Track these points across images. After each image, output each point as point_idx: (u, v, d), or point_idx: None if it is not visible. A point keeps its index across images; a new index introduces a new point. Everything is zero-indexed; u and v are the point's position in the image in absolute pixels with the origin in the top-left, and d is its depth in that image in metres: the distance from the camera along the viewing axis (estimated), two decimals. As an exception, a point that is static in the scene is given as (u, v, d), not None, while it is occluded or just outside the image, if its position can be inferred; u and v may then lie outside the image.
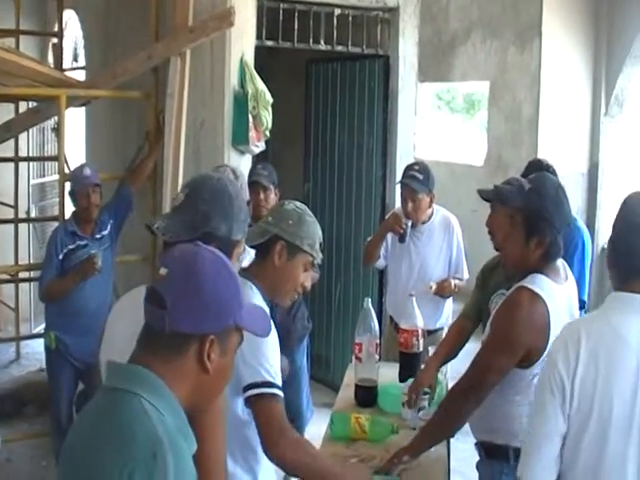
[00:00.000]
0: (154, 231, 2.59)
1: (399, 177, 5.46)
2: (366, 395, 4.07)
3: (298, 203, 3.10)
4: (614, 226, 2.67)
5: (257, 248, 3.02)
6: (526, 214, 3.24)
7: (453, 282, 5.25)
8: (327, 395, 6.41)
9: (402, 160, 6.59)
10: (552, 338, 3.10)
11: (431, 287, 5.15)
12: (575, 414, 2.51)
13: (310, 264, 3.05)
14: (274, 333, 2.78)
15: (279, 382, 2.79)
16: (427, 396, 3.94)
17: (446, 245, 5.35)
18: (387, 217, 5.42)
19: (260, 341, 2.70)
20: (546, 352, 3.12)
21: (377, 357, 4.11)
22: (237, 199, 2.66)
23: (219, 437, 2.32)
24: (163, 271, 1.82)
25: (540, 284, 3.17)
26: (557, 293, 3.21)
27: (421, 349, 4.26)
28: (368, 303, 4.09)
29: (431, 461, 3.50)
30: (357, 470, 3.12)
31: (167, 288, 1.79)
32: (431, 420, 3.45)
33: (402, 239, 5.25)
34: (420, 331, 4.24)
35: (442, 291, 5.21)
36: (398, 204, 5.57)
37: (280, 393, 2.78)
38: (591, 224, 7.79)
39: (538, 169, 4.55)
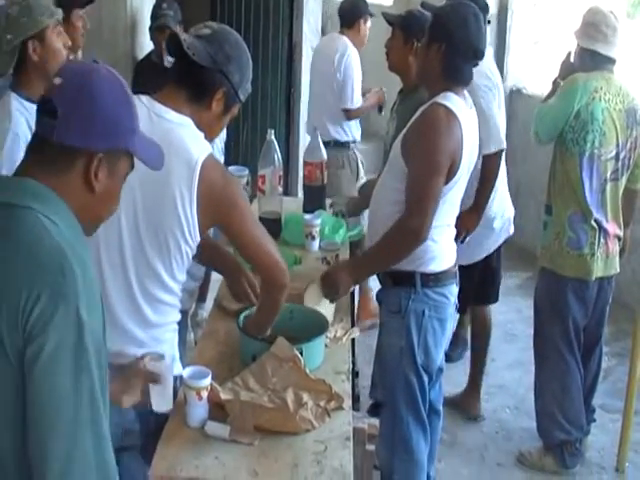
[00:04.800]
0: (182, 42, 2.43)
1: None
2: (270, 227, 3.89)
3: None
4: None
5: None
6: (429, 32, 3.26)
7: None
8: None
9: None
10: (465, 155, 3.14)
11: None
12: None
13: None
14: None
15: None
16: None
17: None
18: (375, 92, 5.99)
19: None
20: (458, 172, 3.15)
21: (280, 189, 4.07)
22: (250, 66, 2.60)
23: None
24: (58, 80, 1.74)
25: (452, 101, 3.16)
26: (466, 112, 3.22)
27: (325, 181, 4.29)
28: (271, 135, 3.99)
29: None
30: None
31: (60, 98, 1.72)
32: (375, 249, 3.34)
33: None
34: (324, 164, 4.26)
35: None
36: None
37: None
38: (500, 65, 7.81)
39: None
